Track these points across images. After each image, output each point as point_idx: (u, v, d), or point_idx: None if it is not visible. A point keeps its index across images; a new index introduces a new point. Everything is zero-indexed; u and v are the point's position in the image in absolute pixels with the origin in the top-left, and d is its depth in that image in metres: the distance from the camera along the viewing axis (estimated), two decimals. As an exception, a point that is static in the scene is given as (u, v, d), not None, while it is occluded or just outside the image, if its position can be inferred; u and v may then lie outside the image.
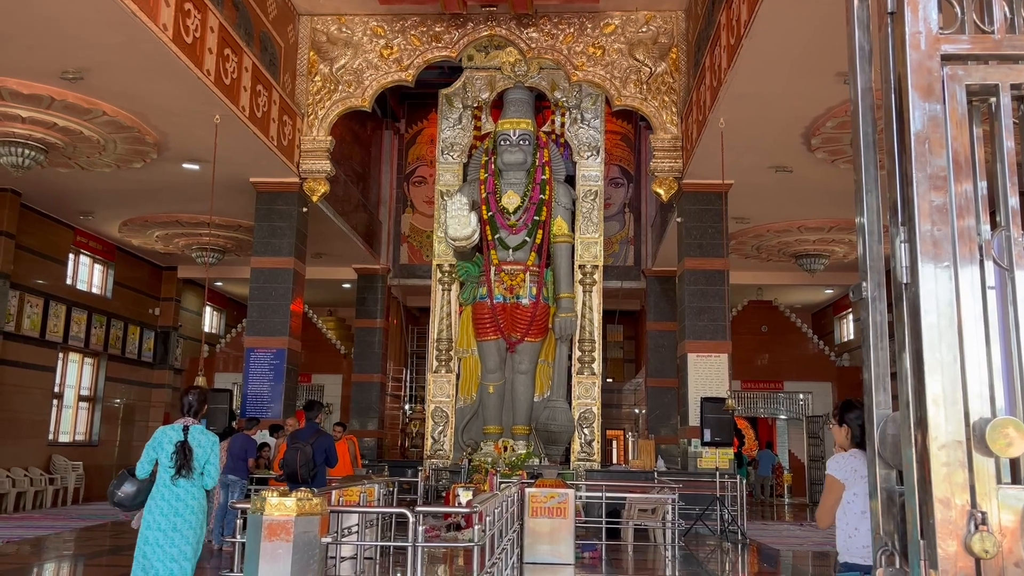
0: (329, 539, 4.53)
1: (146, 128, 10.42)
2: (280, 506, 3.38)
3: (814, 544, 11.36)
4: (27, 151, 10.34)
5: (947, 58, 1.40)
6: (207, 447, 5.06)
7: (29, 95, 9.35)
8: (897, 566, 1.35)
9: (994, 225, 1.45)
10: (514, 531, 7.50)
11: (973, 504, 1.23)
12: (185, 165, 11.78)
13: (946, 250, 1.34)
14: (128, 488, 5.00)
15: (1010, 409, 1.30)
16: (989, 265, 1.40)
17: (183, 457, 4.92)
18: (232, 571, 5.18)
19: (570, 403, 14.21)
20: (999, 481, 1.26)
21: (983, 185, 1.46)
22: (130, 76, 8.93)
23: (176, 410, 19.27)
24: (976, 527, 1.20)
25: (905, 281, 1.35)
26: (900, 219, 1.40)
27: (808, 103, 9.51)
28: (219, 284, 20.91)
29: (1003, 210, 1.42)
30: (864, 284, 1.50)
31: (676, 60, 12.63)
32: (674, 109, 12.57)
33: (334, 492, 6.85)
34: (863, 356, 1.51)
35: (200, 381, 10.09)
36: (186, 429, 5.07)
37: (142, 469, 4.96)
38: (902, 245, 1.36)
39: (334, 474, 8.31)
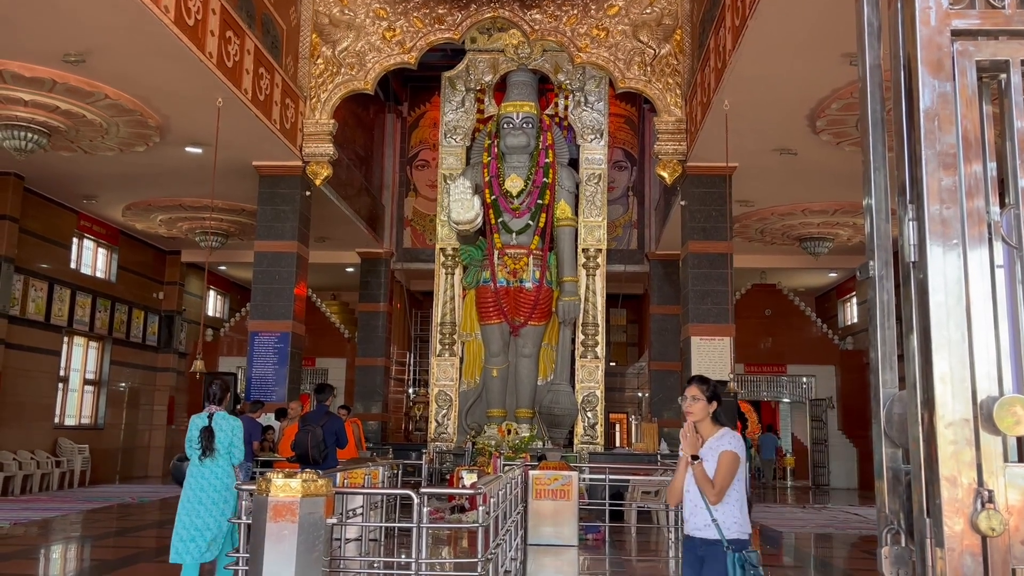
0: (334, 520, 4.55)
1: (148, 111, 10.40)
2: (285, 487, 3.39)
3: (816, 526, 11.40)
4: (30, 135, 10.32)
5: (957, 33, 1.38)
6: (228, 430, 5.74)
7: (31, 78, 9.32)
8: (903, 544, 1.35)
9: (1003, 205, 1.44)
10: (518, 513, 7.53)
11: (980, 482, 1.22)
12: (188, 149, 11.76)
13: (955, 228, 1.33)
14: (180, 465, 6.02)
15: (1018, 387, 1.30)
16: (998, 244, 1.39)
17: (206, 440, 5.63)
18: (238, 552, 5.21)
19: (573, 387, 14.23)
20: (1006, 460, 1.25)
21: (992, 166, 1.45)
22: (132, 59, 8.90)
23: (181, 393, 19.39)
24: (983, 505, 1.20)
25: (913, 260, 1.34)
26: (908, 198, 1.39)
27: (813, 85, 9.45)
28: (222, 268, 20.93)
29: (1012, 188, 1.41)
30: (871, 263, 1.49)
31: (680, 42, 12.55)
32: (678, 91, 12.50)
33: (339, 474, 6.88)
34: (870, 335, 1.51)
35: (198, 365, 10.10)
36: (211, 416, 5.76)
37: (189, 450, 5.76)
38: (910, 223, 1.35)
39: (340, 456, 8.36)
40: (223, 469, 5.70)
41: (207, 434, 5.67)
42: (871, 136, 1.53)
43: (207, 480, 5.63)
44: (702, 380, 3.53)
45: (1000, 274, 1.37)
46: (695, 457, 3.38)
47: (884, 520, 1.38)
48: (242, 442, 5.89)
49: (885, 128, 1.55)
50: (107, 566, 7.90)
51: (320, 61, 12.71)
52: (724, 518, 3.34)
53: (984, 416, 1.23)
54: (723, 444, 3.41)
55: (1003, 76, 1.44)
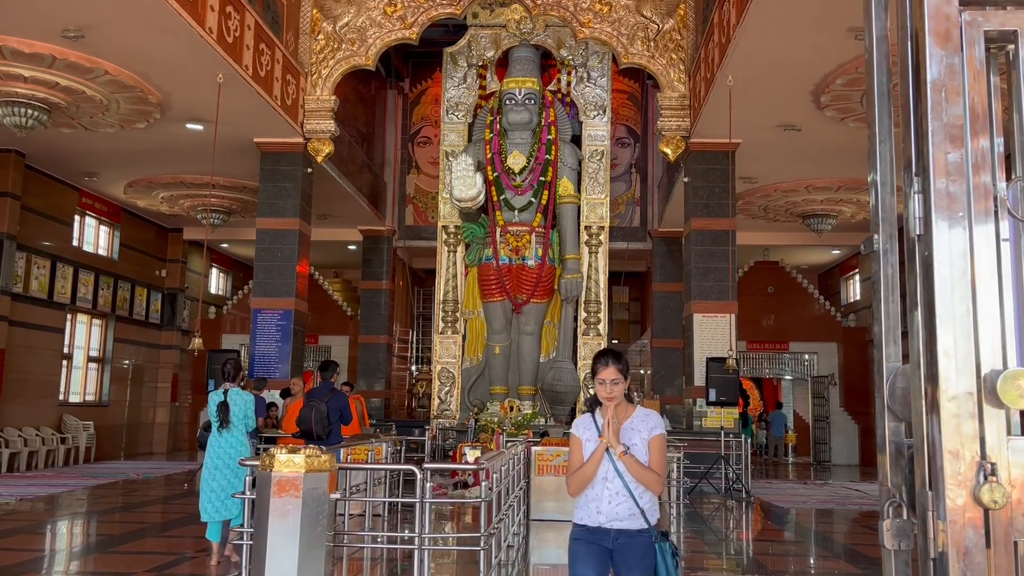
0: (337, 495, 4.58)
1: (149, 88, 10.34)
2: (289, 463, 3.41)
3: (817, 502, 11.47)
4: (30, 111, 10.28)
5: (965, 3, 1.36)
6: (242, 404, 6.55)
7: (31, 54, 9.27)
8: (905, 517, 1.35)
9: (1009, 179, 1.43)
10: (520, 489, 7.58)
11: (983, 456, 1.22)
12: (188, 125, 11.71)
13: (961, 201, 1.32)
14: (204, 435, 6.86)
15: (1022, 361, 1.29)
16: (1004, 218, 1.38)
17: (223, 414, 6.44)
18: (242, 527, 5.25)
19: (575, 364, 14.26)
20: (1009, 433, 1.25)
21: (1000, 142, 1.43)
22: (131, 34, 8.84)
23: (184, 371, 19.45)
24: (985, 478, 1.20)
25: (918, 233, 1.33)
26: (914, 170, 1.37)
27: (818, 60, 9.37)
28: (224, 246, 20.93)
29: (1020, 161, 1.40)
30: (876, 236, 1.48)
31: (684, 16, 12.44)
32: (682, 67, 12.41)
33: (342, 450, 6.92)
34: (873, 309, 1.50)
35: (196, 343, 10.11)
36: (226, 392, 6.54)
37: (212, 422, 6.58)
38: (916, 196, 1.34)
39: (344, 433, 8.41)
40: (238, 439, 6.49)
41: (223, 408, 6.45)
42: (877, 108, 1.51)
43: (224, 448, 6.43)
44: (617, 357, 3.08)
45: (1006, 248, 1.36)
46: (622, 448, 3.02)
47: (886, 493, 1.38)
48: (254, 413, 6.77)
49: (891, 100, 1.53)
50: (113, 541, 7.97)
51: (321, 37, 12.62)
52: (650, 505, 3.07)
53: (988, 389, 1.23)
54: (652, 427, 3.07)
55: (1011, 47, 1.42)
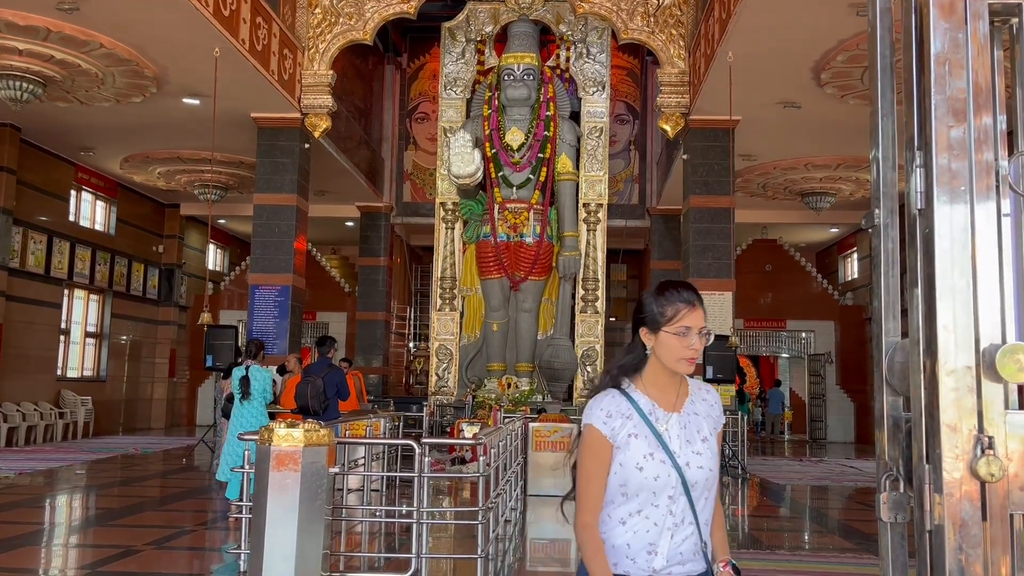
0: (336, 470, 4.60)
1: (145, 61, 10.26)
2: (288, 437, 3.42)
3: (812, 478, 11.55)
4: (25, 84, 10.20)
5: (970, -25, 1.35)
6: (261, 379, 7.58)
7: (25, 27, 9.18)
8: (901, 491, 1.36)
9: (1011, 154, 1.42)
10: (518, 464, 7.62)
11: (980, 429, 1.23)
12: (185, 100, 11.63)
13: (962, 176, 1.32)
14: (228, 406, 7.88)
15: (1021, 335, 1.30)
16: (1005, 192, 1.37)
17: (244, 387, 7.43)
18: (241, 501, 5.28)
19: (573, 341, 14.29)
20: (1007, 407, 1.26)
21: (1003, 119, 1.42)
22: (127, 6, 8.75)
23: (182, 346, 19.50)
24: (983, 451, 1.21)
25: (919, 207, 1.33)
26: (916, 144, 1.37)
27: (819, 36, 9.31)
28: (222, 221, 20.86)
29: (1022, 136, 1.39)
30: (877, 212, 1.47)
31: (684, -8, 12.33)
32: (682, 43, 12.32)
33: (340, 425, 6.95)
34: (873, 284, 1.50)
35: (205, 318, 10.14)
36: (247, 368, 7.55)
37: (235, 395, 7.57)
38: (918, 170, 1.34)
39: (342, 408, 8.44)
40: (258, 409, 7.46)
41: (244, 382, 7.40)
42: (880, 82, 1.50)
43: (245, 417, 7.35)
44: (697, 294, 2.00)
45: (1007, 223, 1.36)
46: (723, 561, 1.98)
47: (883, 467, 1.39)
48: (271, 387, 7.78)
49: (894, 75, 1.52)
50: (112, 514, 8.02)
51: (318, 11, 12.51)
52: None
53: (986, 364, 1.23)
54: (717, 413, 2.00)
55: (1015, 20, 1.41)
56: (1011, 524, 1.22)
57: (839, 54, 9.71)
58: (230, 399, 7.68)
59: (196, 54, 9.88)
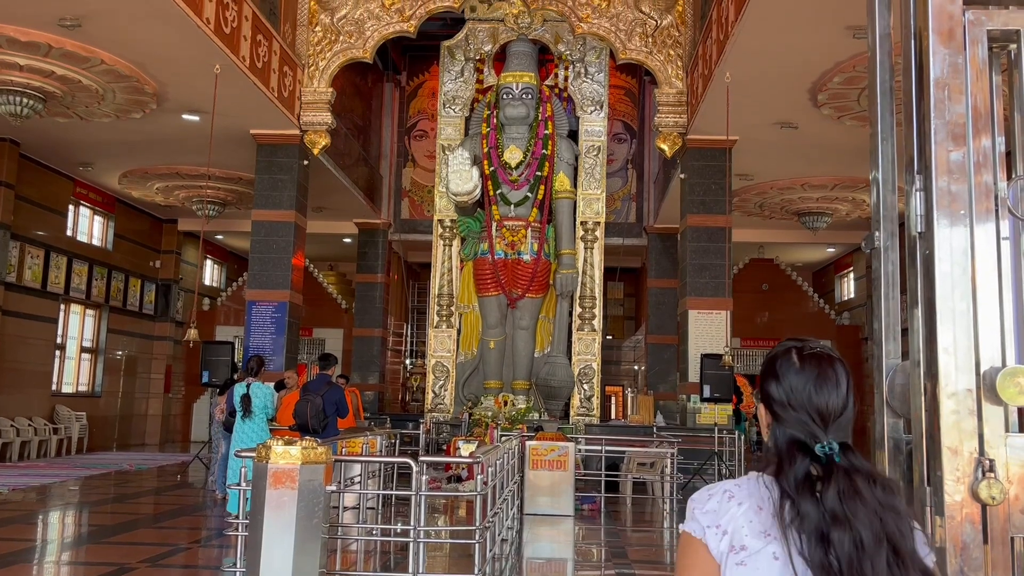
0: (333, 487, 4.58)
1: (145, 78, 10.30)
2: (285, 454, 3.41)
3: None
4: (25, 100, 10.23)
5: (968, 2, 1.37)
6: (262, 396, 7.73)
7: (27, 43, 9.22)
8: (902, 513, 1.36)
9: (1009, 177, 1.44)
10: (515, 483, 7.59)
11: (981, 452, 1.23)
12: (185, 116, 11.66)
13: (962, 200, 1.33)
14: (231, 420, 7.99)
15: (1021, 358, 1.30)
16: (1004, 216, 1.38)
17: (246, 404, 7.58)
18: (237, 518, 5.25)
19: (570, 359, 14.27)
20: (1007, 430, 1.26)
21: (1001, 140, 1.44)
22: (128, 24, 8.79)
23: (178, 362, 19.42)
24: (984, 474, 1.21)
25: (920, 230, 1.34)
26: (916, 168, 1.38)
27: (816, 58, 9.38)
28: (219, 237, 20.87)
29: (1021, 160, 1.41)
30: (877, 234, 1.49)
31: (682, 13, 12.43)
32: (679, 63, 12.40)
33: (338, 443, 6.93)
34: (873, 306, 1.51)
35: (192, 335, 10.07)
36: (248, 385, 7.69)
37: (237, 411, 7.70)
38: (917, 194, 1.35)
39: (340, 425, 8.41)
40: (259, 425, 7.59)
41: (246, 400, 7.51)
42: (879, 106, 1.52)
43: (247, 433, 7.48)
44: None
45: (1006, 246, 1.37)
46: None
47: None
48: (273, 404, 7.93)
49: (894, 98, 1.54)
50: (106, 531, 7.96)
51: (318, 29, 12.58)
52: None
53: (987, 386, 1.24)
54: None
55: (1013, 47, 1.43)
56: (1012, 547, 1.22)
57: (836, 75, 9.78)
58: (232, 414, 7.78)
59: (196, 71, 9.92)
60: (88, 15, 8.60)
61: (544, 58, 15.38)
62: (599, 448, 10.32)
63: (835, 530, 1.14)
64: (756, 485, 1.28)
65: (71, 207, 15.74)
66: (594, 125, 14.81)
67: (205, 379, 12.33)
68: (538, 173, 14.16)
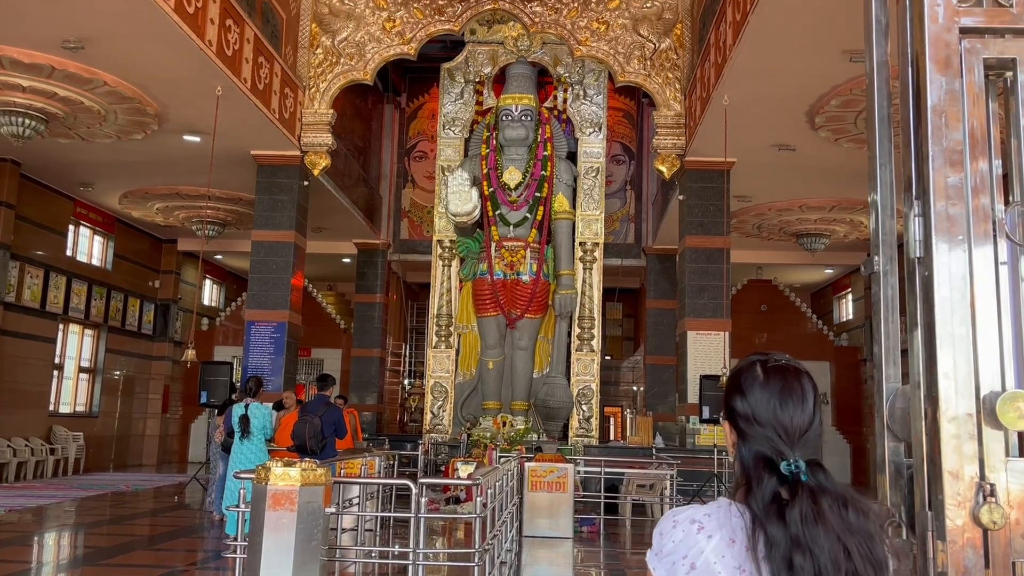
0: (332, 509, 4.57)
1: (147, 99, 10.36)
2: (285, 476, 3.40)
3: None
4: (27, 121, 10.28)
5: (965, 31, 1.39)
6: (260, 417, 7.80)
7: (30, 64, 9.28)
8: (903, 537, 1.37)
9: (1007, 202, 1.45)
10: (513, 505, 7.56)
11: (982, 476, 1.24)
12: (186, 137, 11.72)
13: (960, 225, 1.34)
14: (229, 441, 8.05)
15: (1021, 383, 1.31)
16: (1002, 241, 1.40)
17: (244, 425, 7.64)
18: (236, 540, 5.23)
19: (569, 380, 14.25)
20: (1008, 454, 1.27)
21: (998, 164, 1.46)
22: (131, 46, 8.86)
23: (176, 382, 19.38)
24: (984, 499, 1.22)
25: (918, 255, 1.35)
26: (914, 193, 1.40)
27: (813, 81, 9.45)
28: (219, 257, 20.89)
29: (1018, 185, 1.42)
30: (876, 258, 1.50)
31: (681, 36, 12.53)
32: (678, 86, 12.49)
33: (336, 464, 6.90)
34: (873, 330, 1.52)
35: (189, 355, 10.06)
36: (247, 405, 7.74)
37: (235, 432, 7.81)
38: (916, 219, 1.36)
39: (338, 446, 8.39)
40: (257, 446, 7.64)
41: (244, 421, 7.56)
42: (877, 132, 1.54)
43: (245, 454, 7.52)
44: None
45: (1004, 271, 1.38)
46: None
47: (885, 513, 1.39)
48: (272, 424, 8.02)
49: (891, 124, 1.56)
50: (102, 553, 7.91)
51: (319, 51, 12.67)
52: None
53: (987, 411, 1.25)
54: None
55: (1009, 74, 1.45)
56: (1014, 571, 1.23)
57: (833, 98, 9.85)
58: (231, 434, 7.81)
59: (198, 92, 9.98)
60: (91, 38, 8.67)
61: (543, 80, 15.50)
62: (598, 469, 10.28)
63: (796, 555, 1.12)
64: (727, 515, 1.23)
65: (71, 227, 15.76)
66: (593, 146, 14.89)
67: (203, 399, 12.29)
68: (537, 194, 14.22)
